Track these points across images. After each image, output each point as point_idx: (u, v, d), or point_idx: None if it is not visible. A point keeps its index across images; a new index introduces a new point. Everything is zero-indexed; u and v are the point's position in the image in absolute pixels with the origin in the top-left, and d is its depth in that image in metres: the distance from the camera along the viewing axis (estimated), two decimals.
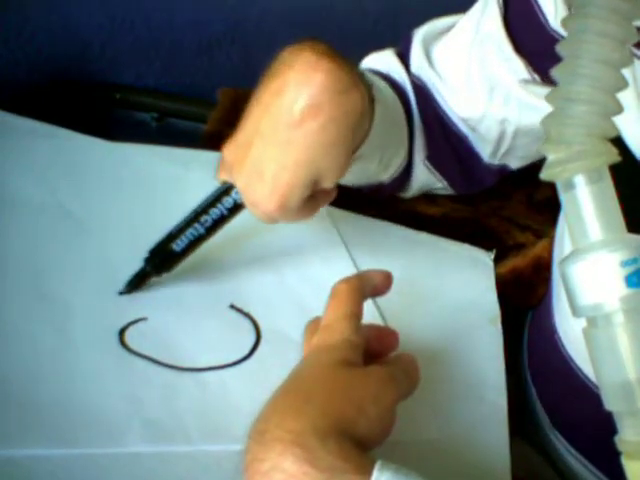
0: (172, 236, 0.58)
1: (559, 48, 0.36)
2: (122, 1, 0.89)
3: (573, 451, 0.64)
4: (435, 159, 0.71)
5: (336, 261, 0.65)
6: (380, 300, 0.56)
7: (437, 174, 0.72)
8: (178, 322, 0.56)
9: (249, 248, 0.65)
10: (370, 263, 0.65)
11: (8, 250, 0.57)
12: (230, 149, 0.55)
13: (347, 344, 0.46)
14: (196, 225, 0.57)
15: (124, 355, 0.52)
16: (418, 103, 0.70)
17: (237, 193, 0.56)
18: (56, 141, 0.71)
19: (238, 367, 0.54)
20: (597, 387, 0.38)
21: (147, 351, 0.53)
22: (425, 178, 0.73)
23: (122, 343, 0.53)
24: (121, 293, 0.57)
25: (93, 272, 0.58)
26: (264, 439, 0.40)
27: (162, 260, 0.58)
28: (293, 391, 0.43)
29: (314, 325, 0.49)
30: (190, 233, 0.57)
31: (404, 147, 0.69)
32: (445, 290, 0.67)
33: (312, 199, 0.56)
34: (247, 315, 0.58)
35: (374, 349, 0.48)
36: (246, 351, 0.55)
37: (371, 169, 0.66)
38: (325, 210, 0.72)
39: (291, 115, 0.52)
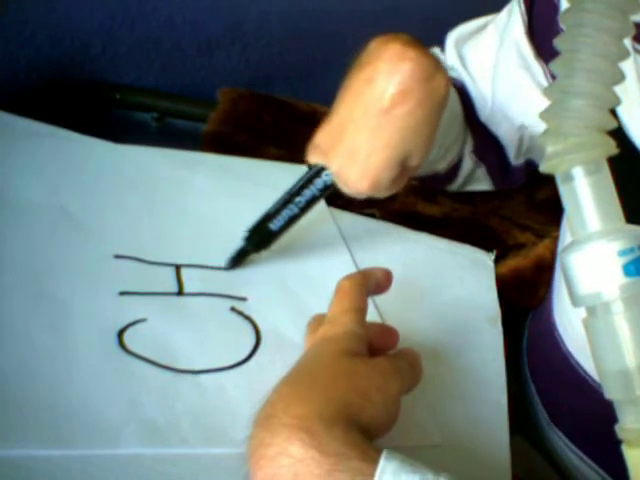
0: (269, 216, 0.62)
1: (557, 42, 0.37)
2: (122, 1, 0.89)
3: (572, 447, 0.64)
4: (479, 152, 0.73)
5: (339, 265, 0.65)
6: (380, 300, 0.57)
7: (483, 166, 0.75)
8: (178, 324, 0.56)
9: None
10: (370, 264, 0.65)
11: (8, 250, 0.57)
12: (324, 134, 0.59)
13: (351, 335, 0.46)
14: (291, 205, 0.62)
15: (122, 356, 0.52)
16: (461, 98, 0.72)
17: (327, 175, 0.60)
18: (56, 141, 0.71)
19: (237, 370, 0.53)
20: (596, 383, 0.38)
21: (146, 353, 0.52)
22: (469, 169, 0.75)
23: (121, 344, 0.52)
24: (225, 269, 0.62)
25: (93, 273, 0.58)
26: (270, 424, 0.40)
27: (260, 238, 0.63)
28: (298, 379, 0.44)
29: (316, 322, 0.50)
30: (286, 213, 0.62)
31: (462, 135, 0.71)
32: (445, 291, 0.67)
33: (399, 174, 0.59)
34: (248, 318, 0.58)
35: (376, 346, 0.49)
36: (246, 354, 0.55)
37: (432, 153, 0.67)
38: (330, 213, 0.72)
39: (382, 102, 0.55)
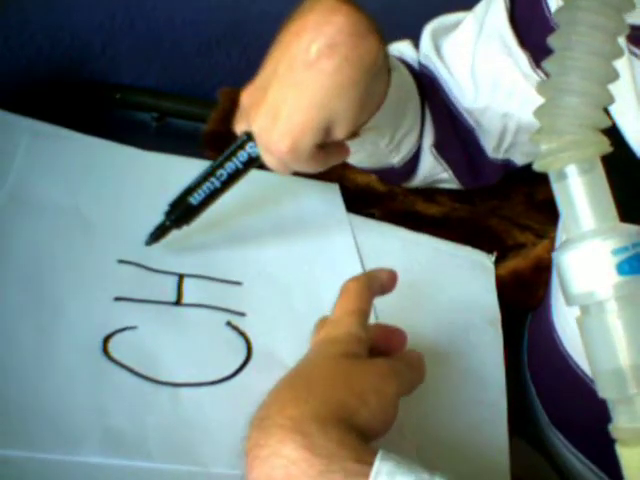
0: (190, 190, 0.60)
1: (550, 40, 0.37)
2: (122, 1, 0.89)
3: (571, 448, 0.64)
4: (442, 147, 0.71)
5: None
6: (379, 302, 0.56)
7: (443, 163, 0.73)
8: (168, 334, 0.55)
9: (258, 268, 0.63)
10: (370, 264, 0.65)
11: (9, 249, 0.56)
12: (248, 93, 0.56)
13: (352, 337, 0.46)
14: (212, 179, 0.59)
15: (103, 362, 0.51)
16: (427, 90, 0.70)
17: (252, 147, 0.58)
18: (56, 141, 0.70)
19: (218, 386, 0.52)
20: (594, 383, 0.38)
21: (128, 361, 0.51)
22: (431, 167, 0.73)
23: (104, 350, 0.51)
24: (146, 244, 0.60)
25: (93, 276, 0.57)
26: (264, 425, 0.40)
27: (180, 213, 0.60)
28: (295, 380, 0.44)
29: (321, 323, 0.50)
30: (206, 187, 0.60)
31: (417, 128, 0.69)
32: (445, 292, 0.67)
33: (324, 151, 0.57)
34: (242, 334, 0.57)
35: (381, 348, 0.49)
36: (232, 371, 0.53)
37: (382, 146, 0.66)
38: (350, 225, 0.71)
39: (308, 54, 0.53)
